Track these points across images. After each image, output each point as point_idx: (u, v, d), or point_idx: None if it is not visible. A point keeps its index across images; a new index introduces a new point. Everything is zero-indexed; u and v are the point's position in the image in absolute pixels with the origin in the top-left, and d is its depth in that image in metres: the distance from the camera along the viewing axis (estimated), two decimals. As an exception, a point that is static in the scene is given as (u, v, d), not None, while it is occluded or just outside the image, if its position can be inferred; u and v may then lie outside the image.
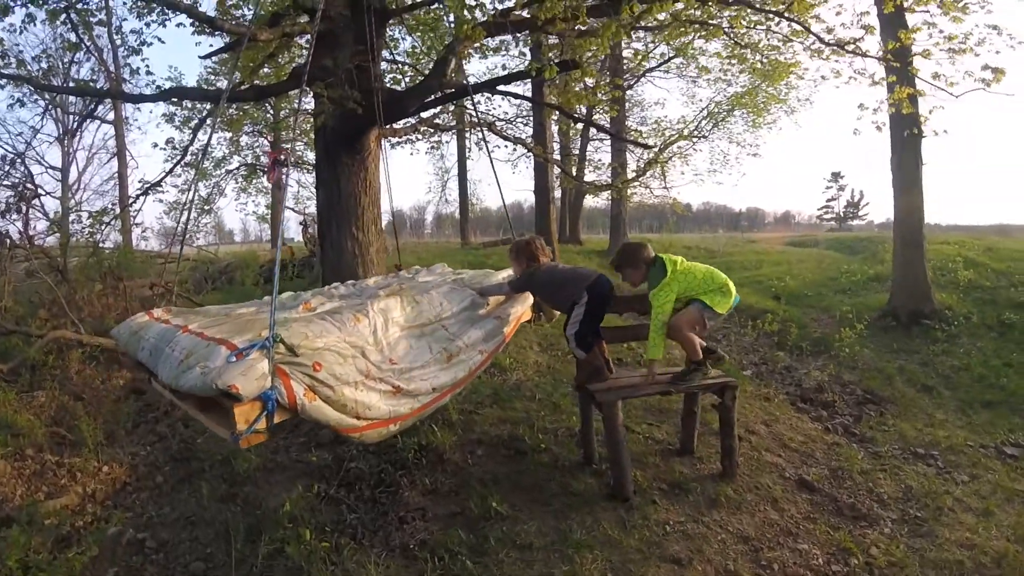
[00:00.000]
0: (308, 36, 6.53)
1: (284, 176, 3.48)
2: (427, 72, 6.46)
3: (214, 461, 4.71)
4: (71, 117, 19.01)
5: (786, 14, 5.50)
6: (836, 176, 58.99)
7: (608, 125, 9.25)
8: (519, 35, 5.76)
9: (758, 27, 6.52)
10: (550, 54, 6.99)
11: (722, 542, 3.56)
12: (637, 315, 4.84)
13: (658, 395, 4.33)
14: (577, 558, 3.29)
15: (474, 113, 7.23)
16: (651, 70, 10.50)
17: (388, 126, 6.53)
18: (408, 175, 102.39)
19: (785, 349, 8.15)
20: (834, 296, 10.82)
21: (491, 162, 5.55)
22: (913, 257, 8.97)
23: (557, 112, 8.90)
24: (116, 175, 21.08)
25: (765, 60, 7.25)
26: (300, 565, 3.41)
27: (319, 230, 6.57)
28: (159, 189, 8.22)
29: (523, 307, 4.19)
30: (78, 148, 21.18)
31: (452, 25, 5.56)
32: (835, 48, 5.88)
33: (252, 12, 6.87)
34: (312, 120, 13.62)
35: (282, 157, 3.20)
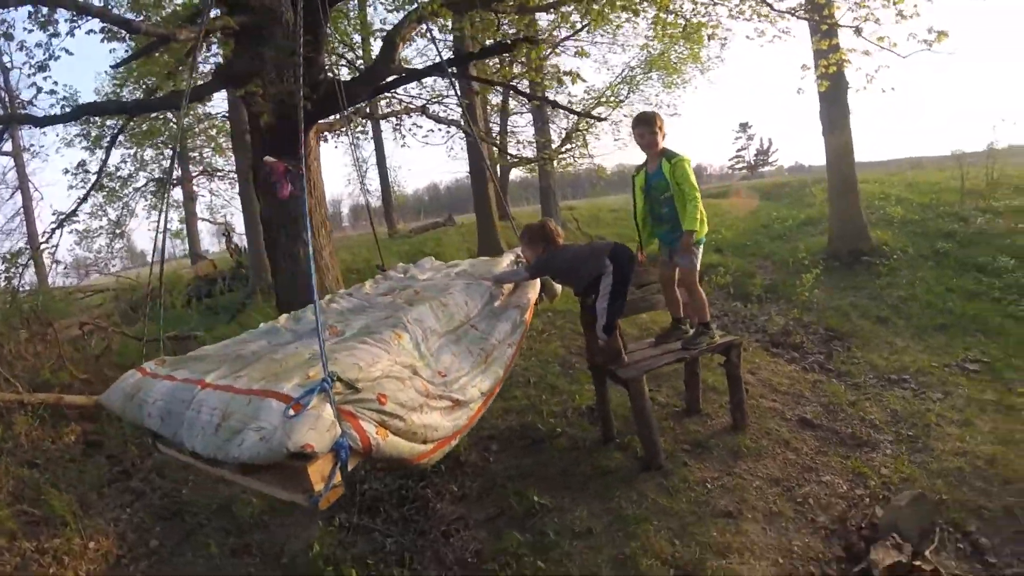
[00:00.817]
0: (225, 32, 6.24)
1: (296, 187, 3.21)
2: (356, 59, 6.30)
3: (209, 513, 4.41)
4: None
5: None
6: (744, 126, 61.64)
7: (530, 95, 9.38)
8: (477, 13, 5.65)
9: None
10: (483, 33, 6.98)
11: (758, 489, 3.83)
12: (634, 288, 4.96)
13: (674, 363, 4.43)
14: (640, 533, 3.41)
15: (403, 98, 7.14)
16: (565, 39, 10.63)
17: (322, 120, 6.31)
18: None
19: (740, 299, 8.55)
20: (771, 243, 11.34)
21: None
22: (848, 199, 9.55)
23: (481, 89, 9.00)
24: (21, 210, 19.56)
25: (685, 22, 7.38)
26: None
27: (267, 240, 6.29)
28: (74, 219, 7.68)
29: (535, 291, 4.10)
30: None
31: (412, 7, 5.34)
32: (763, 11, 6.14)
33: (166, 11, 6.47)
34: (228, 124, 13.03)
35: (291, 168, 2.96)
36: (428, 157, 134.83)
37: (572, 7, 6.44)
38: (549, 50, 10.08)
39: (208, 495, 4.58)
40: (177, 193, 18.08)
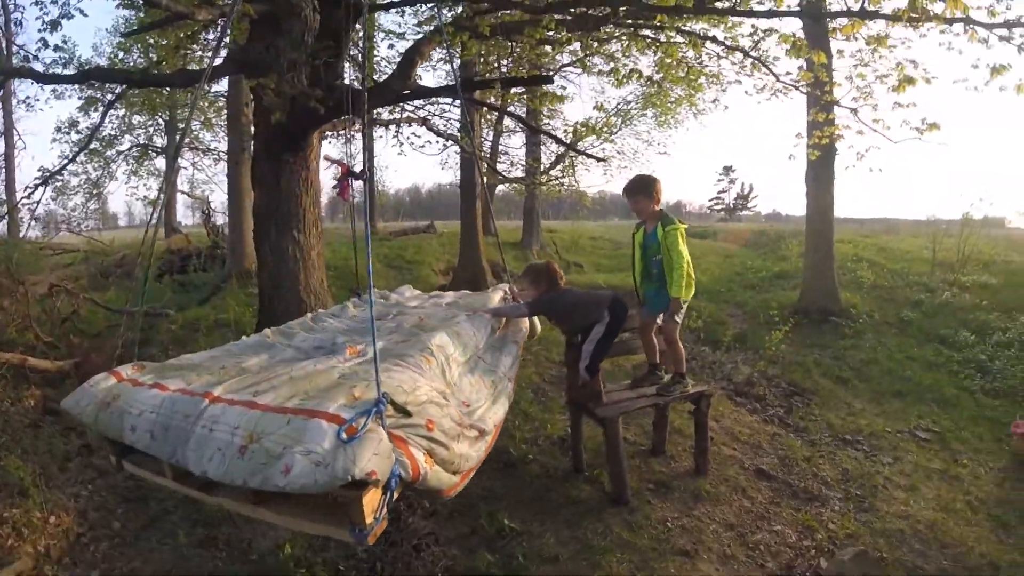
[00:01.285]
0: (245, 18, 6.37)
1: (354, 189, 3.30)
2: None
3: (177, 500, 4.33)
4: None
5: (751, 53, 6.07)
6: (728, 169, 63.45)
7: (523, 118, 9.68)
8: (498, 38, 5.89)
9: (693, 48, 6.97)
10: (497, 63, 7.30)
11: (714, 531, 4.12)
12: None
13: (649, 407, 4.77)
14: (603, 563, 3.66)
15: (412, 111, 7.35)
16: (565, 66, 10.95)
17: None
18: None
19: (709, 344, 8.88)
20: (744, 292, 11.78)
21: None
22: (823, 261, 10.03)
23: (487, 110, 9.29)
24: (3, 156, 19.12)
25: (688, 71, 7.69)
26: None
27: (257, 232, 6.41)
28: (59, 177, 7.70)
29: (526, 328, 4.24)
30: None
31: (439, 22, 5.51)
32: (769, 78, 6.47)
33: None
34: (219, 102, 13.01)
35: (357, 169, 3.01)
36: (413, 159, 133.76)
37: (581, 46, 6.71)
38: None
39: None
40: (159, 163, 17.99)
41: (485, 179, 10.86)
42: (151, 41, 8.51)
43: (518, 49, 6.94)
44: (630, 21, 6.02)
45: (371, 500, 2.03)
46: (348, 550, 3.85)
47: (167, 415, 2.40)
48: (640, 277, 4.81)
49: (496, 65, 9.17)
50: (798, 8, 5.93)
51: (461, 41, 5.48)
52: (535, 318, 4.40)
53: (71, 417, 2.93)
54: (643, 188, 4.61)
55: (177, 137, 16.79)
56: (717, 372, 7.80)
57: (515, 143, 16.55)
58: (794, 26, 7.20)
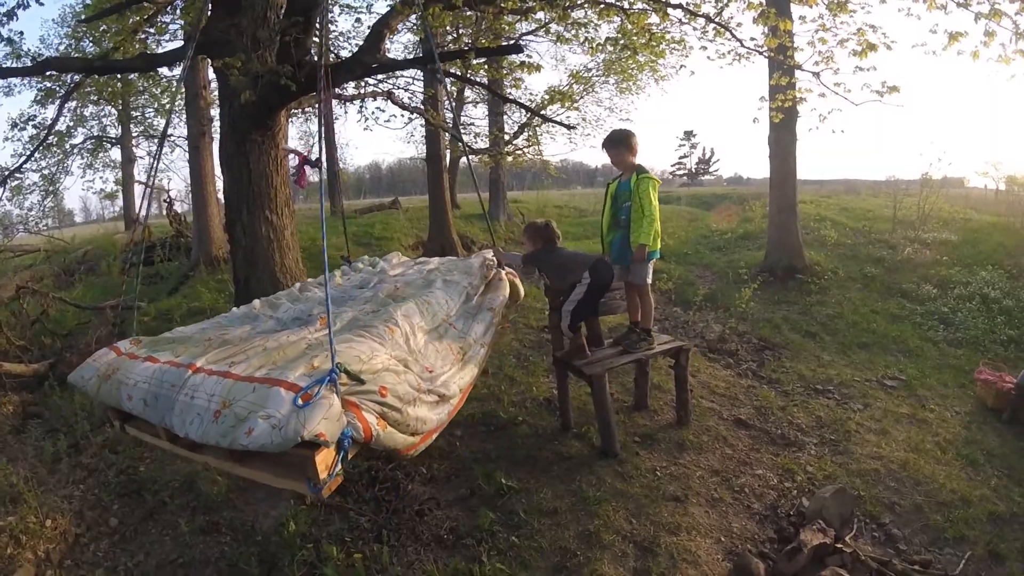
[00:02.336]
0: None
1: (312, 176, 3.38)
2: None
3: (172, 490, 4.44)
4: None
5: (715, 20, 6.18)
6: (689, 134, 64.23)
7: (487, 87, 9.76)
8: (470, 9, 5.95)
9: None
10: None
11: (701, 478, 4.41)
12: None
13: (630, 364, 4.98)
14: (601, 512, 3.90)
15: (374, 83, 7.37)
16: (526, 34, 11.01)
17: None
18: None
19: (681, 305, 9.18)
20: (711, 253, 12.13)
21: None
22: (787, 220, 10.36)
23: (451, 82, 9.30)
24: None
25: (650, 37, 7.81)
26: None
27: (227, 215, 6.39)
28: (18, 176, 7.53)
29: (505, 294, 4.40)
30: None
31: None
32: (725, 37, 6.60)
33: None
34: (171, 88, 12.75)
35: (313, 158, 3.11)
36: (370, 136, 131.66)
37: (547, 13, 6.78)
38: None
39: (168, 472, 4.64)
40: (115, 154, 17.62)
41: (450, 152, 10.94)
42: (103, 28, 8.34)
43: (483, 19, 6.98)
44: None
45: (324, 458, 2.33)
46: (352, 522, 3.97)
47: (156, 385, 2.73)
48: (607, 226, 5.00)
49: (457, 35, 9.22)
50: None
51: (432, 12, 5.52)
52: (518, 281, 4.64)
53: (79, 391, 3.17)
54: (622, 140, 4.83)
55: (107, 120, 16.55)
56: (690, 331, 8.07)
57: (477, 114, 16.57)
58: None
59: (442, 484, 4.33)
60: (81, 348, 7.49)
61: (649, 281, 4.89)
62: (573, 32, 7.44)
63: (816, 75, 6.35)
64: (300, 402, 2.27)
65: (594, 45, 6.78)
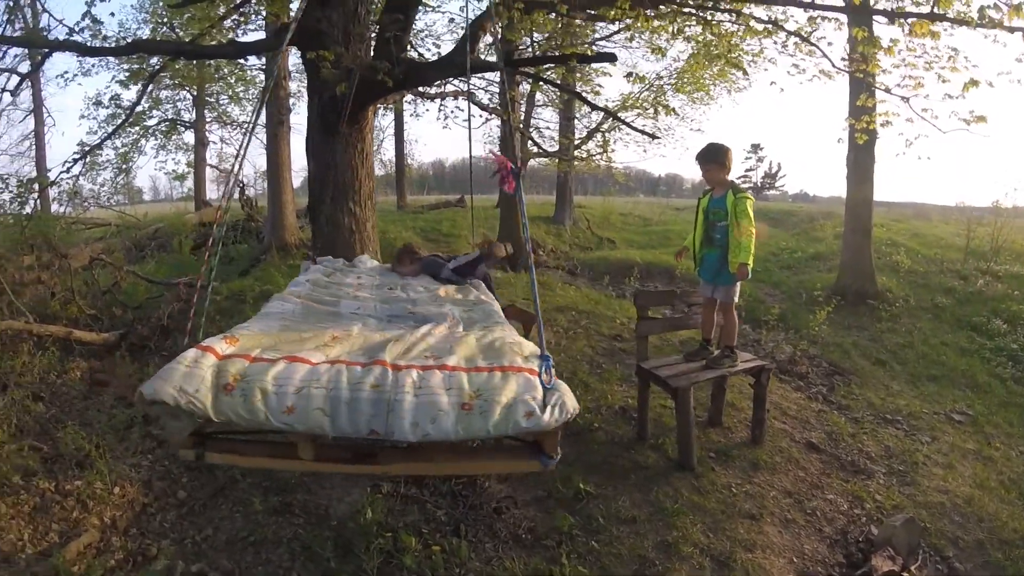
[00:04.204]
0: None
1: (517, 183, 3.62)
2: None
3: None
4: None
5: (811, 40, 6.22)
6: (756, 147, 63.57)
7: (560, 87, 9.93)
8: (556, 14, 6.11)
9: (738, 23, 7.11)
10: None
11: (774, 498, 4.49)
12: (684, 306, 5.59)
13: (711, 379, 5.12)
14: (678, 524, 4.01)
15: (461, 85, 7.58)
16: (601, 39, 11.16)
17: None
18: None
19: (750, 323, 9.20)
20: (780, 272, 12.18)
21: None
22: (861, 244, 10.36)
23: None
24: (33, 133, 19.87)
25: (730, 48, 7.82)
26: (423, 573, 3.51)
27: (311, 205, 6.64)
28: (99, 152, 7.94)
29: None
30: None
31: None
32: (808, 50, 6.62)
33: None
34: (246, 77, 13.24)
35: (516, 167, 3.30)
36: (437, 134, 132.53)
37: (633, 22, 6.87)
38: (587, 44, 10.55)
39: None
40: (188, 137, 18.40)
41: (521, 154, 11.11)
42: (189, 14, 8.67)
43: (569, 25, 7.14)
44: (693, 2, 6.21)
45: (553, 437, 2.53)
46: (428, 514, 4.06)
47: (342, 387, 2.44)
48: (700, 242, 5.11)
49: (531, 39, 9.40)
50: (876, 7, 6.08)
51: (532, 17, 5.70)
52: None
53: (156, 407, 2.37)
54: (717, 155, 4.94)
55: (181, 104, 17.27)
56: (760, 350, 8.10)
57: (545, 117, 16.76)
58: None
59: (518, 484, 4.44)
60: (152, 321, 7.78)
61: (736, 298, 4.98)
62: (652, 33, 7.53)
63: (906, 100, 6.33)
64: (547, 385, 2.48)
65: (664, 51, 6.81)
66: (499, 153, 3.89)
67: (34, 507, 3.99)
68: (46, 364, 6.32)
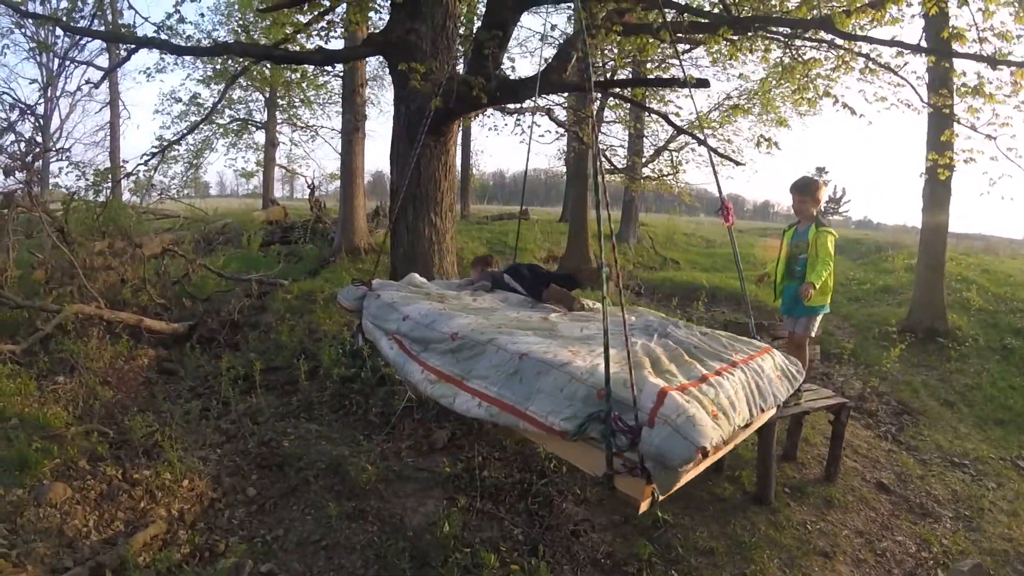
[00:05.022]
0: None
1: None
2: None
3: (317, 470, 4.60)
4: (57, 60, 18.43)
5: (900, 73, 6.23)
6: (821, 171, 62.51)
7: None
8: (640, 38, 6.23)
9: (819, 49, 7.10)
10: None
11: (847, 537, 4.57)
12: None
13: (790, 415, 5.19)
14: (755, 558, 4.11)
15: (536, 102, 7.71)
16: (676, 56, 11.15)
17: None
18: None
19: (820, 356, 9.15)
20: (849, 304, 12.07)
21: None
22: (934, 279, 10.21)
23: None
24: (108, 124, 21.16)
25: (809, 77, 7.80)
26: None
27: (392, 213, 6.81)
28: (177, 147, 8.27)
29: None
30: (61, 94, 20.53)
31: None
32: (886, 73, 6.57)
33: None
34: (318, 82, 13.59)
35: (730, 205, 3.71)
36: (498, 144, 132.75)
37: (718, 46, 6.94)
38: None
39: (314, 452, 4.82)
40: (259, 136, 19.12)
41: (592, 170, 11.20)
42: (270, 20, 8.93)
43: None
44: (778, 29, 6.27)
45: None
46: (505, 531, 4.11)
47: (747, 386, 3.14)
48: (781, 275, 5.19)
49: (612, 58, 9.46)
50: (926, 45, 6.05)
51: (629, 41, 5.82)
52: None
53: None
54: (809, 188, 5.10)
55: (253, 104, 17.90)
56: (830, 384, 8.05)
57: (614, 133, 16.84)
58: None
59: (595, 507, 4.54)
60: (222, 315, 8.04)
61: (813, 334, 5.02)
62: (732, 58, 7.56)
63: (992, 138, 6.28)
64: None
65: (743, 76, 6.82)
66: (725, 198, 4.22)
67: (101, 494, 4.11)
68: (115, 350, 6.59)
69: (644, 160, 13.14)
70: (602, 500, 4.61)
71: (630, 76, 10.69)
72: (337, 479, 4.53)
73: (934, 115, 8.39)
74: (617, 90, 7.67)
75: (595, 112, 15.47)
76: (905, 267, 13.02)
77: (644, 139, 15.06)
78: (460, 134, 20.73)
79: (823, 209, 5.11)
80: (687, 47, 9.59)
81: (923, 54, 5.86)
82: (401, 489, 4.50)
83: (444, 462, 4.85)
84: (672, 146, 12.81)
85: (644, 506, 2.60)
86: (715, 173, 4.36)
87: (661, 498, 2.54)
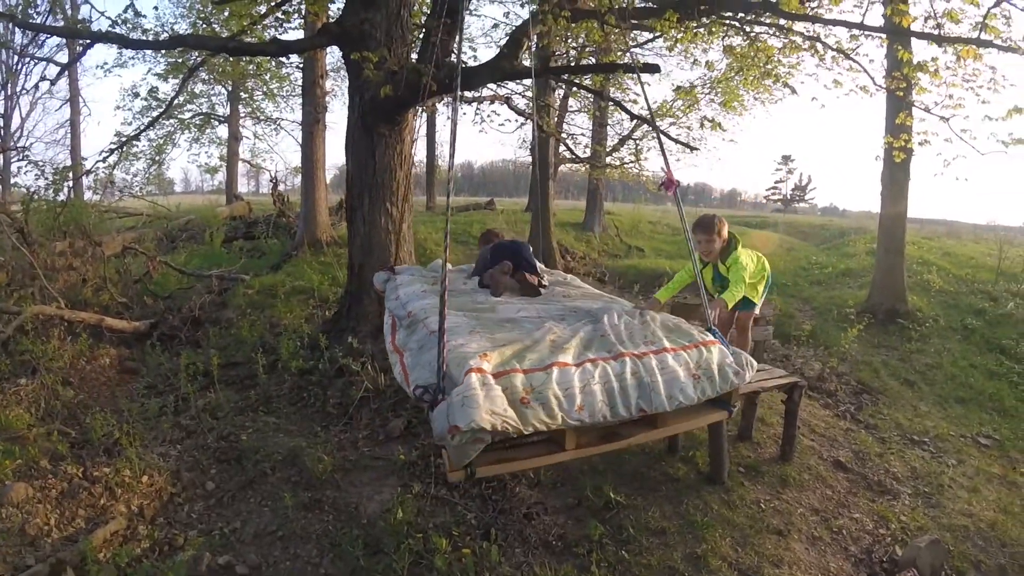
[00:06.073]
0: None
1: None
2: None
3: (274, 462, 4.62)
4: (16, 57, 18.12)
5: (852, 56, 6.23)
6: (787, 159, 63.42)
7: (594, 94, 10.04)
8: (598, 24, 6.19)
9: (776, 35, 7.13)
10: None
11: (802, 515, 4.56)
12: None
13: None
14: (708, 537, 4.09)
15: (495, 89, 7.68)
16: (638, 45, 11.15)
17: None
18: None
19: (778, 337, 9.19)
20: (811, 288, 12.18)
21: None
22: (894, 262, 10.32)
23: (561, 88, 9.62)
24: (68, 122, 20.82)
25: (767, 61, 7.82)
26: (452, 575, 3.56)
27: (348, 203, 6.74)
28: (135, 143, 8.13)
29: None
30: (21, 92, 20.26)
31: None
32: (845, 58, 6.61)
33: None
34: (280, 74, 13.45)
35: (677, 181, 3.59)
36: (466, 136, 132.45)
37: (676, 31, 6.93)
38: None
39: (271, 444, 4.82)
40: (221, 131, 18.82)
41: (554, 159, 11.24)
42: (229, 11, 8.81)
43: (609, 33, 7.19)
44: (736, 17, 6.27)
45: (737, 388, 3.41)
46: (458, 517, 4.12)
47: (611, 380, 2.99)
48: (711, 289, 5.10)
49: (575, 43, 9.45)
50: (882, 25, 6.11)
51: (581, 26, 5.79)
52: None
53: (465, 435, 2.51)
54: (715, 227, 4.89)
55: (216, 98, 17.77)
56: (788, 365, 8.10)
57: (578, 123, 16.87)
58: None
59: (549, 490, 4.53)
60: (183, 312, 7.93)
61: (756, 312, 5.04)
62: (688, 44, 7.58)
63: (945, 120, 6.33)
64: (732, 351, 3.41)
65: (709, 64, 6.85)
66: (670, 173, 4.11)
67: (62, 492, 4.11)
68: (76, 350, 6.48)
69: (608, 149, 13.12)
70: (556, 484, 4.59)
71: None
72: (294, 470, 4.54)
73: (892, 100, 8.46)
74: (570, 77, 7.62)
75: (559, 101, 15.59)
76: (867, 251, 13.19)
77: (608, 128, 15.07)
78: (425, 125, 20.76)
79: (726, 237, 4.93)
80: (649, 37, 9.64)
81: (868, 32, 5.86)
82: (357, 478, 4.51)
83: (400, 450, 4.83)
84: (636, 135, 12.79)
85: (452, 476, 2.82)
86: (663, 153, 4.42)
87: (478, 472, 2.80)
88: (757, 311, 5.23)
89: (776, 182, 63.94)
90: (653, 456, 5.02)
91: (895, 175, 9.93)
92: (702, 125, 7.47)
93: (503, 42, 6.27)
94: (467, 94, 8.22)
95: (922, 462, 5.91)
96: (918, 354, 8.92)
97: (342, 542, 3.80)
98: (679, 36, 6.79)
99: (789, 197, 61.56)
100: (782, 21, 6.40)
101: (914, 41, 7.20)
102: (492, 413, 2.53)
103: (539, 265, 5.18)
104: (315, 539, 3.87)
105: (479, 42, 11.80)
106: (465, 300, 4.19)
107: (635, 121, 12.15)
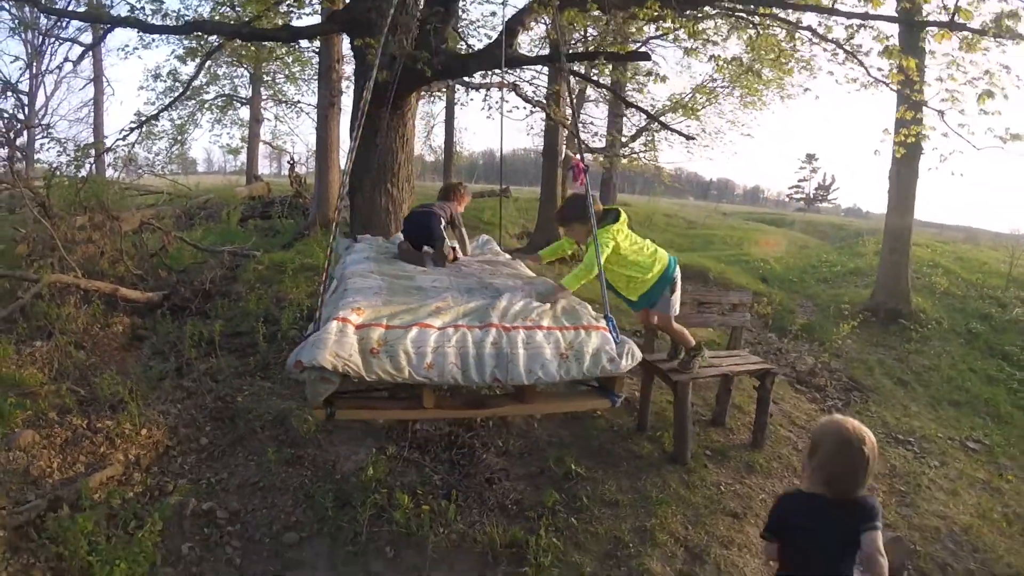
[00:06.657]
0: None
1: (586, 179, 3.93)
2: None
3: (264, 422, 4.83)
4: (41, 38, 18.63)
5: (844, 46, 6.23)
6: (811, 158, 62.63)
7: (610, 88, 10.05)
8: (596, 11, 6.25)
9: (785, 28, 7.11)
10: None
11: (763, 500, 4.61)
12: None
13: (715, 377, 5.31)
14: (659, 513, 4.21)
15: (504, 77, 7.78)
16: (654, 38, 11.17)
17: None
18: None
19: (776, 331, 9.25)
20: (816, 285, 12.12)
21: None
22: (899, 262, 10.23)
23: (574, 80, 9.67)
24: (92, 101, 21.30)
25: (779, 54, 7.81)
26: (410, 529, 3.78)
27: (350, 184, 6.91)
28: (155, 122, 8.39)
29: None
30: (46, 71, 20.82)
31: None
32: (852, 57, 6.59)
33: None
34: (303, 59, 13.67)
35: (585, 165, 3.65)
36: (489, 124, 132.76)
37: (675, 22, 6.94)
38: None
39: (264, 406, 5.02)
40: (243, 112, 19.28)
41: (566, 148, 11.30)
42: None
43: (611, 22, 7.27)
44: (728, 4, 6.30)
45: (622, 378, 3.51)
46: (425, 477, 4.33)
47: (469, 346, 3.14)
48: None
49: (584, 35, 9.52)
50: (895, 14, 6.10)
51: (568, 15, 5.86)
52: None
53: (312, 372, 2.93)
54: (577, 212, 4.56)
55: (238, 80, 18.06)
56: (782, 359, 8.14)
57: (597, 114, 16.83)
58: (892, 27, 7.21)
59: (515, 459, 4.68)
60: (195, 285, 8.17)
61: (672, 314, 4.82)
62: (701, 42, 7.60)
63: (941, 114, 6.29)
64: (616, 339, 3.42)
65: (720, 62, 6.90)
66: (574, 154, 4.13)
67: (65, 440, 4.37)
68: (91, 317, 6.71)
69: (624, 140, 13.14)
70: (523, 454, 4.74)
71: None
72: (281, 430, 4.77)
73: (901, 97, 8.39)
74: (571, 66, 7.69)
75: (576, 91, 15.60)
76: (875, 251, 13.02)
77: (624, 119, 15.06)
78: (444, 112, 20.95)
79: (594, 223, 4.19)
80: (659, 32, 9.66)
81: (878, 20, 5.84)
82: (338, 439, 4.72)
83: (383, 416, 5.02)
84: (653, 126, 12.78)
85: (315, 413, 3.20)
86: (579, 142, 4.37)
87: (337, 414, 3.22)
88: (675, 311, 4.84)
89: (800, 180, 63.12)
90: (620, 434, 5.14)
91: (902, 172, 9.84)
92: (673, 108, 7.46)
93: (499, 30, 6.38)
94: (475, 80, 8.33)
95: (903, 461, 5.92)
96: (916, 355, 8.87)
97: (315, 494, 4.04)
98: (675, 27, 6.83)
99: (812, 196, 60.68)
100: (782, 14, 6.41)
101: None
102: (336, 356, 2.87)
103: (471, 243, 5.59)
104: (292, 491, 4.11)
105: (481, 32, 11.86)
106: (395, 268, 4.45)
107: (654, 112, 12.13)
